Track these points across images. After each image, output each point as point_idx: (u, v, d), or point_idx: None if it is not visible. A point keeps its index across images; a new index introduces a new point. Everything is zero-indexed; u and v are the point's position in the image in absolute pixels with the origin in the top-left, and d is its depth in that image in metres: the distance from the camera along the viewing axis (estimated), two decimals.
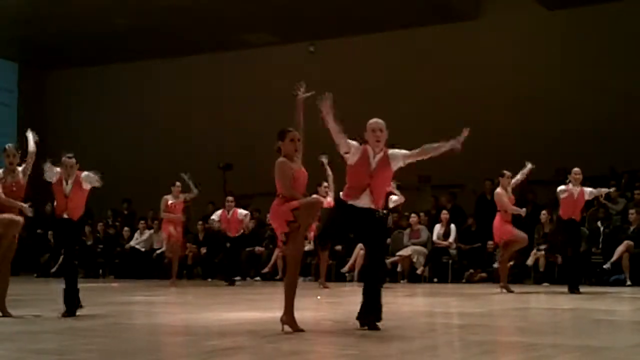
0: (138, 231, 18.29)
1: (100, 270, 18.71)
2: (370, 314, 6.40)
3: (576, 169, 11.60)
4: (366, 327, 6.36)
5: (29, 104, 23.41)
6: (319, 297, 10.97)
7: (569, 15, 17.63)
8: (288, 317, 6.27)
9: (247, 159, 18.53)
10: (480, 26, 18.37)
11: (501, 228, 11.90)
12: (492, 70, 17.99)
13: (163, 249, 16.60)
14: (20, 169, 7.92)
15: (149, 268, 17.53)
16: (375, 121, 6.77)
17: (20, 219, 7.75)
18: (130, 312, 7.34)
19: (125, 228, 18.77)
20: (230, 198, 15.06)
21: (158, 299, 10.81)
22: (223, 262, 15.45)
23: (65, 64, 23.11)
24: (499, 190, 11.95)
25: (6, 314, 7.66)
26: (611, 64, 17.13)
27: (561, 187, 11.58)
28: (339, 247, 16.41)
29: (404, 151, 6.71)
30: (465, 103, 18.15)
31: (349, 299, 11.20)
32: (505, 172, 11.98)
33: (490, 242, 15.21)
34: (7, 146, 8.04)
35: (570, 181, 11.52)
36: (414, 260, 15.21)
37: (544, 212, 14.79)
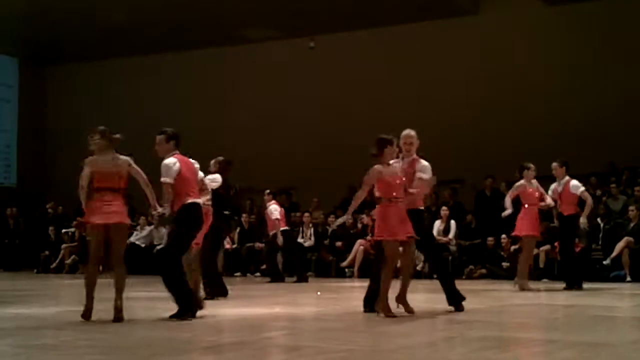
0: (138, 227, 18.27)
1: (101, 267, 18.65)
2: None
3: (553, 164, 11.33)
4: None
5: (29, 100, 23.43)
6: (318, 293, 10.98)
7: (568, 10, 17.61)
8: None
9: (247, 154, 18.53)
10: (480, 22, 18.36)
11: (521, 222, 11.20)
12: (491, 66, 17.97)
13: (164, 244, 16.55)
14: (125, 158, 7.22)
15: (149, 264, 17.51)
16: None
17: (126, 224, 7.28)
18: (130, 308, 7.33)
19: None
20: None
21: (158, 294, 10.79)
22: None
23: (65, 59, 23.10)
24: (522, 182, 11.17)
25: (119, 317, 6.97)
26: (611, 60, 17.12)
27: (552, 187, 11.38)
28: (339, 244, 16.44)
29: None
30: (465, 99, 18.16)
31: (348, 295, 11.21)
32: (529, 164, 11.20)
33: (490, 238, 15.22)
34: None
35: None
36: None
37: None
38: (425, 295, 8.07)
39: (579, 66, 17.32)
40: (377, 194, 7.24)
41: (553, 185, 11.40)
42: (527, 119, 17.43)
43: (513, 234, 11.59)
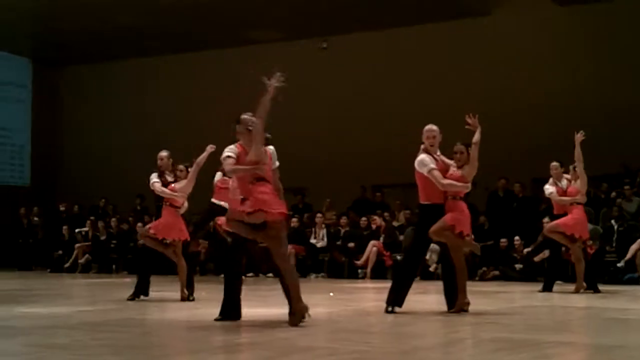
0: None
1: (114, 266, 18.76)
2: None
3: (553, 164, 11.26)
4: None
5: (41, 100, 23.55)
6: (331, 294, 10.97)
7: (580, 10, 17.55)
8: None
9: None
10: (492, 22, 18.31)
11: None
12: (503, 66, 17.93)
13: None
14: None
15: (161, 264, 17.52)
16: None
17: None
18: (142, 308, 7.35)
19: (139, 224, 18.79)
20: None
21: (170, 294, 10.82)
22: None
23: (77, 60, 23.19)
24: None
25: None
26: (624, 60, 17.04)
27: (547, 187, 11.29)
28: (351, 244, 16.42)
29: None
30: (478, 99, 18.08)
31: (361, 296, 11.21)
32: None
33: (502, 240, 15.19)
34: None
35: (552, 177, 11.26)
36: (427, 257, 15.17)
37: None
38: (438, 297, 8.05)
39: (591, 66, 17.24)
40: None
41: (555, 187, 11.22)
42: (540, 119, 17.37)
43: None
